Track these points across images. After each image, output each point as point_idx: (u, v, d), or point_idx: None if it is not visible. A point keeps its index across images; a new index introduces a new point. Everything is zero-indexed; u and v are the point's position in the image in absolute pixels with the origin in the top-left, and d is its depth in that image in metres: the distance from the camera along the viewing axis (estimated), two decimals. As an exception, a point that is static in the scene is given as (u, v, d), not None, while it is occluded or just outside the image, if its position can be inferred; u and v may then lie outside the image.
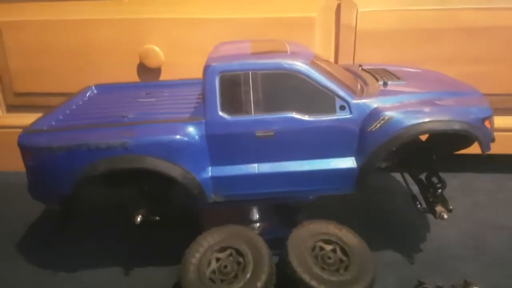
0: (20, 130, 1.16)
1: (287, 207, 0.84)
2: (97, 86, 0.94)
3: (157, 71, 1.06)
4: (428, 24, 0.96)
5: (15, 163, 1.11)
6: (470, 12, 0.94)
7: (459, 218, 0.89)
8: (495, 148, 1.04)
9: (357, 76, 0.78)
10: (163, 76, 1.05)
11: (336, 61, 1.03)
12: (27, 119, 0.76)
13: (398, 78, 0.75)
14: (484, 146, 0.66)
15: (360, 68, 0.84)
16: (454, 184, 1.03)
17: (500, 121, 1.03)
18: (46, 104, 0.91)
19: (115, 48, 1.04)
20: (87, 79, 0.97)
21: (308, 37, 0.99)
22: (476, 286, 0.67)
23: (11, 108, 1.15)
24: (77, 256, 0.80)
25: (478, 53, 0.96)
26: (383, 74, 0.77)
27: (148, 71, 1.05)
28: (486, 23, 0.94)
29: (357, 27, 0.98)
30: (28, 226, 0.90)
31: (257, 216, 0.81)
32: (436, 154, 0.79)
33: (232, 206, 0.77)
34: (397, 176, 0.99)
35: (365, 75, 0.77)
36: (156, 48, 1.03)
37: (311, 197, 0.74)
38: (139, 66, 1.06)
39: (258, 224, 0.80)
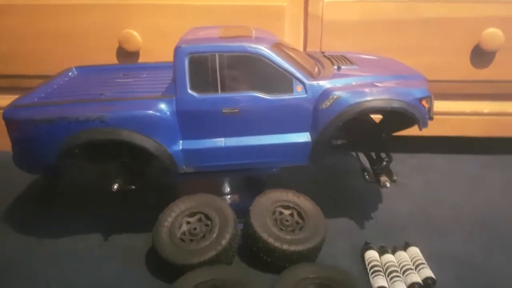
0: (2, 111, 1.20)
1: (254, 180, 0.92)
2: (78, 68, 0.99)
3: (135, 55, 1.11)
4: (391, 16, 1.04)
5: (2, 143, 1.17)
6: (430, 5, 1.03)
7: (410, 194, 0.99)
8: (449, 131, 1.16)
9: (317, 61, 0.86)
10: (141, 60, 1.11)
11: (304, 49, 1.11)
12: (10, 100, 0.80)
13: (352, 63, 0.83)
14: (421, 123, 0.75)
15: (322, 54, 0.92)
16: (411, 163, 1.13)
17: (452, 105, 1.15)
18: (29, 85, 0.95)
19: (96, 33, 1.09)
20: (69, 62, 1.02)
21: (278, 26, 1.06)
22: (414, 247, 0.77)
23: (-5, 89, 1.19)
24: (58, 225, 0.86)
25: (431, 43, 1.05)
26: (339, 60, 0.85)
27: (127, 55, 1.11)
28: (445, 15, 1.03)
29: (323, 17, 1.05)
30: (12, 200, 0.96)
31: (228, 189, 0.89)
32: (386, 132, 0.88)
33: (203, 178, 0.85)
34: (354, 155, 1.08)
35: (324, 60, 0.86)
36: (135, 33, 1.09)
37: (274, 169, 0.83)
38: (119, 50, 1.12)
39: (229, 196, 0.88)
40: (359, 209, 0.91)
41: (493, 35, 1.03)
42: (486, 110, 1.12)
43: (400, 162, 1.12)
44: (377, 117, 0.93)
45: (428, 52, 1.06)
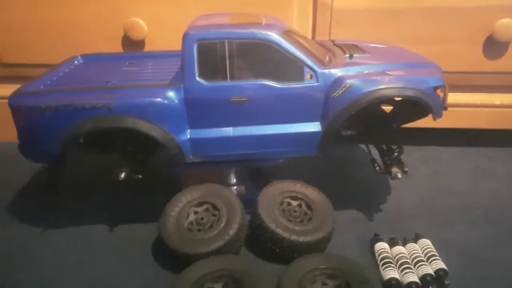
0: (5, 100, 1.19)
1: (261, 171, 0.91)
2: (83, 56, 0.98)
3: (140, 44, 1.10)
4: (401, 4, 1.02)
5: (2, 133, 1.16)
6: (437, -6, 1.01)
7: (418, 185, 0.98)
8: (459, 123, 1.14)
9: (327, 49, 0.84)
10: (147, 49, 1.09)
11: (313, 38, 1.09)
12: (13, 90, 0.78)
13: (364, 52, 0.81)
14: (435, 112, 0.73)
15: (332, 43, 0.90)
16: (418, 155, 1.12)
17: (462, 97, 1.13)
18: (32, 75, 0.95)
19: (101, 21, 1.07)
20: (73, 51, 1.00)
21: (286, 15, 1.04)
22: (425, 238, 0.76)
23: (-1, 79, 1.18)
24: (63, 216, 0.85)
25: (443, 33, 1.03)
26: (351, 48, 0.83)
27: (132, 44, 1.09)
28: (457, 4, 1.00)
29: (333, 6, 1.03)
30: (17, 191, 0.95)
31: (234, 180, 0.88)
32: (396, 123, 0.87)
33: (210, 168, 0.84)
34: (364, 147, 1.07)
35: (335, 49, 0.84)
36: (140, 21, 1.07)
37: (281, 160, 0.81)
38: (124, 39, 1.10)
39: (235, 187, 0.87)
40: (367, 200, 0.90)
41: (507, 25, 1.01)
42: (497, 102, 1.10)
43: (407, 154, 1.09)
44: (387, 109, 0.92)
45: (439, 42, 1.04)
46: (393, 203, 0.90)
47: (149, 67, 0.88)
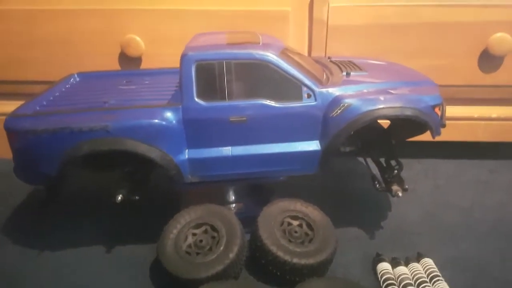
0: (3, 117, 1.18)
1: (260, 188, 0.90)
2: (79, 74, 0.97)
3: (138, 60, 1.10)
4: (396, 20, 1.03)
5: (2, 150, 1.14)
6: (432, 9, 1.01)
7: (419, 199, 0.97)
8: (457, 136, 1.14)
9: (325, 67, 0.84)
10: (144, 66, 1.09)
11: (309, 53, 1.09)
12: (11, 106, 0.78)
13: (361, 69, 0.82)
14: (434, 130, 0.73)
15: (329, 60, 0.90)
16: (418, 168, 1.12)
17: (459, 110, 1.13)
18: (29, 91, 0.94)
19: (97, 38, 1.07)
20: (70, 68, 1.00)
21: (283, 30, 1.05)
22: (427, 258, 0.75)
23: (-5, 95, 1.16)
24: (60, 236, 0.84)
25: (439, 47, 1.04)
26: (348, 66, 0.84)
27: (129, 61, 1.09)
28: (451, 19, 1.01)
29: (329, 22, 1.04)
30: (13, 209, 0.94)
31: (233, 198, 0.87)
32: (395, 139, 0.86)
33: (209, 187, 0.83)
34: (363, 161, 1.06)
35: (332, 66, 0.84)
36: (137, 38, 1.07)
37: (281, 178, 0.80)
38: (121, 56, 1.10)
39: (234, 205, 0.86)
40: (368, 217, 0.89)
41: (501, 40, 1.02)
42: (494, 115, 1.10)
43: (408, 167, 1.09)
44: (384, 122, 0.92)
45: (435, 56, 1.05)
46: (395, 219, 0.90)
47: (147, 86, 0.88)
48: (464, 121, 1.12)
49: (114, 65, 1.10)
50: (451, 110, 1.14)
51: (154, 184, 0.83)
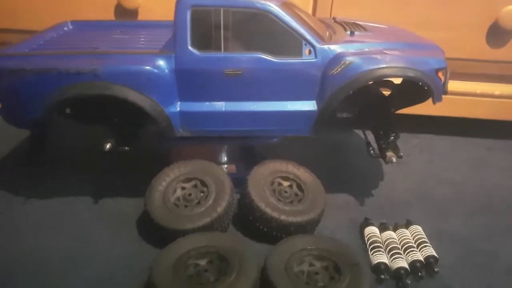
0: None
1: (252, 151, 0.89)
2: (73, 22, 0.93)
3: (134, 13, 1.05)
4: (403, -13, 0.98)
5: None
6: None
7: (412, 172, 0.97)
8: (457, 111, 1.12)
9: (328, 26, 0.81)
10: (140, 18, 1.05)
11: (313, 15, 1.05)
12: None
13: (365, 30, 0.78)
14: (436, 96, 0.71)
15: (333, 20, 0.87)
16: (414, 143, 1.11)
17: (462, 85, 1.11)
18: (19, 41, 0.91)
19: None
20: (64, 18, 0.96)
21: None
22: (416, 225, 0.75)
23: (-15, 43, 1.13)
24: (47, 186, 0.83)
25: (446, 19, 1.00)
26: (352, 26, 0.80)
27: (125, 13, 1.05)
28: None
29: (336, -15, 0.99)
30: (1, 159, 0.92)
31: (225, 159, 0.86)
32: (395, 107, 0.84)
33: (201, 144, 0.82)
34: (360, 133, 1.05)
35: (336, 26, 0.80)
36: (134, -11, 1.02)
37: (274, 139, 0.79)
38: (117, 8, 1.05)
39: (225, 166, 0.85)
40: (359, 186, 0.88)
41: (512, 12, 0.98)
42: (497, 92, 1.08)
43: (403, 142, 1.08)
44: (386, 92, 0.89)
45: (441, 27, 1.01)
46: (386, 189, 0.89)
47: (142, 36, 0.84)
48: (466, 96, 1.09)
49: (110, 17, 1.06)
50: (454, 85, 1.11)
51: (144, 137, 0.81)
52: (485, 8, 0.99)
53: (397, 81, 0.83)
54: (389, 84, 0.86)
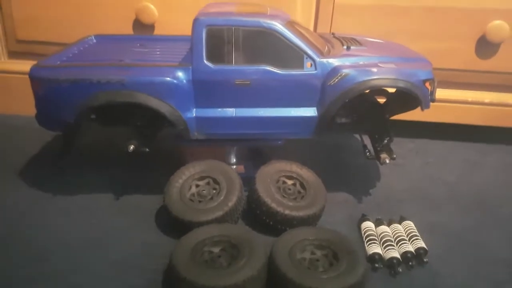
0: (18, 75, 1.23)
1: (259, 153, 0.97)
2: (96, 36, 1.03)
3: (150, 27, 1.15)
4: (400, 2, 1.07)
5: (15, 107, 1.21)
6: (434, -6, 1.05)
7: (407, 173, 1.03)
8: (451, 118, 1.20)
9: (327, 41, 0.90)
10: (156, 32, 1.14)
11: (315, 30, 1.14)
12: (28, 66, 0.82)
13: (361, 44, 0.87)
14: (423, 103, 0.79)
15: (333, 35, 0.95)
16: (410, 147, 1.18)
17: (455, 93, 1.18)
18: (45, 52, 0.99)
19: (114, 3, 1.12)
20: (85, 31, 1.05)
21: (290, 6, 1.09)
22: (409, 220, 0.82)
23: (13, 54, 1.22)
24: (72, 183, 0.91)
25: (439, 32, 1.08)
26: (349, 41, 0.89)
27: (142, 27, 1.14)
28: (451, 4, 1.05)
29: (335, 0, 1.08)
30: (29, 159, 1.01)
31: (234, 160, 0.94)
32: (389, 113, 0.92)
33: (213, 147, 0.90)
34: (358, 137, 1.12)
35: (334, 41, 0.89)
36: (151, 6, 1.12)
37: (279, 142, 0.87)
38: (135, 22, 1.15)
39: (235, 166, 0.93)
40: (358, 185, 0.96)
41: (498, 27, 1.06)
42: (487, 100, 1.16)
43: (400, 146, 1.16)
44: (382, 100, 0.97)
45: (434, 40, 1.09)
46: (384, 188, 0.96)
47: (158, 49, 0.94)
48: (458, 104, 1.17)
49: (128, 31, 1.15)
50: (447, 93, 1.20)
51: (162, 139, 0.90)
52: (474, 23, 1.07)
53: (392, 90, 0.91)
54: (384, 93, 0.94)
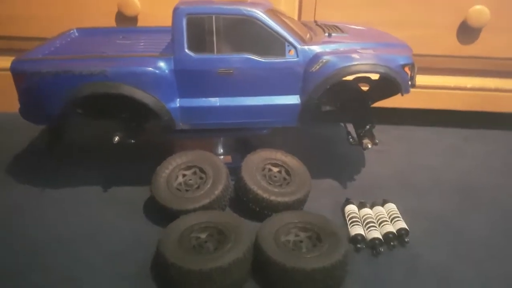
0: (2, 72, 1.21)
1: (246, 143, 0.98)
2: (78, 30, 1.03)
3: (134, 20, 1.14)
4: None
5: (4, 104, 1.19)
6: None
7: (392, 159, 1.05)
8: (433, 104, 1.22)
9: (310, 28, 0.90)
10: (140, 24, 1.14)
11: (299, 18, 1.14)
12: (8, 62, 0.81)
13: (342, 31, 0.88)
14: (403, 88, 0.80)
15: (315, 23, 0.96)
16: (394, 133, 1.19)
17: (438, 79, 1.20)
18: (27, 48, 0.99)
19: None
20: (68, 25, 1.04)
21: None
22: (391, 203, 0.84)
23: (-7, 50, 1.21)
24: (62, 178, 0.91)
25: (421, 18, 1.10)
26: (331, 28, 0.90)
27: (125, 20, 1.14)
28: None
29: (319, -12, 1.08)
30: (16, 157, 1.01)
31: (221, 150, 0.95)
32: (371, 100, 0.94)
33: (199, 137, 0.91)
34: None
35: (316, 28, 0.90)
36: (134, -2, 1.11)
37: (264, 131, 0.88)
38: (118, 15, 1.14)
39: (222, 157, 0.94)
40: (342, 172, 0.97)
41: (479, 12, 1.07)
42: (469, 85, 1.18)
43: (384, 132, 1.17)
44: (364, 86, 0.99)
45: (417, 26, 1.10)
46: (367, 175, 0.98)
47: (142, 41, 0.94)
48: (441, 90, 1.19)
49: (111, 24, 1.15)
50: (430, 79, 1.21)
51: (148, 130, 0.90)
52: (455, 8, 1.08)
53: (375, 77, 0.93)
54: (368, 80, 0.95)
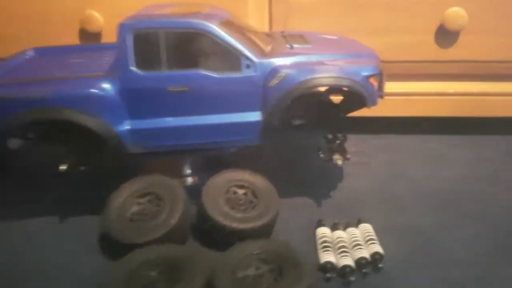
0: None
1: (215, 162, 0.92)
2: (36, 49, 0.97)
3: (98, 36, 1.09)
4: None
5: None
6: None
7: (373, 172, 1.00)
8: (416, 111, 1.16)
9: (274, 40, 0.85)
10: (104, 41, 1.09)
11: (270, 29, 1.09)
12: None
13: (306, 42, 0.82)
14: (369, 101, 0.75)
15: (281, 34, 0.91)
16: (377, 143, 1.14)
17: (418, 86, 1.15)
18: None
19: (58, 14, 1.06)
20: (32, 44, 0.99)
21: (241, 7, 1.04)
22: (366, 223, 0.78)
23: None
24: (10, 202, 0.85)
25: (398, 25, 1.05)
26: (295, 39, 0.84)
27: (89, 37, 1.09)
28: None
29: (290, -1, 1.03)
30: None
31: (189, 171, 0.89)
32: (343, 112, 0.88)
33: (161, 159, 0.84)
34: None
35: (280, 39, 0.85)
36: (96, 14, 1.07)
37: (232, 149, 0.82)
38: (81, 32, 1.10)
39: (189, 178, 0.88)
40: (319, 188, 0.92)
41: (456, 14, 1.02)
42: (451, 90, 1.12)
43: (366, 143, 1.13)
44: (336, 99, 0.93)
45: (394, 32, 1.06)
46: (345, 189, 0.92)
47: (97, 58, 0.88)
48: (422, 96, 1.14)
49: (75, 41, 1.10)
50: (410, 86, 1.16)
51: (102, 156, 0.84)
52: (431, 11, 1.03)
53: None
54: (341, 91, 0.90)
